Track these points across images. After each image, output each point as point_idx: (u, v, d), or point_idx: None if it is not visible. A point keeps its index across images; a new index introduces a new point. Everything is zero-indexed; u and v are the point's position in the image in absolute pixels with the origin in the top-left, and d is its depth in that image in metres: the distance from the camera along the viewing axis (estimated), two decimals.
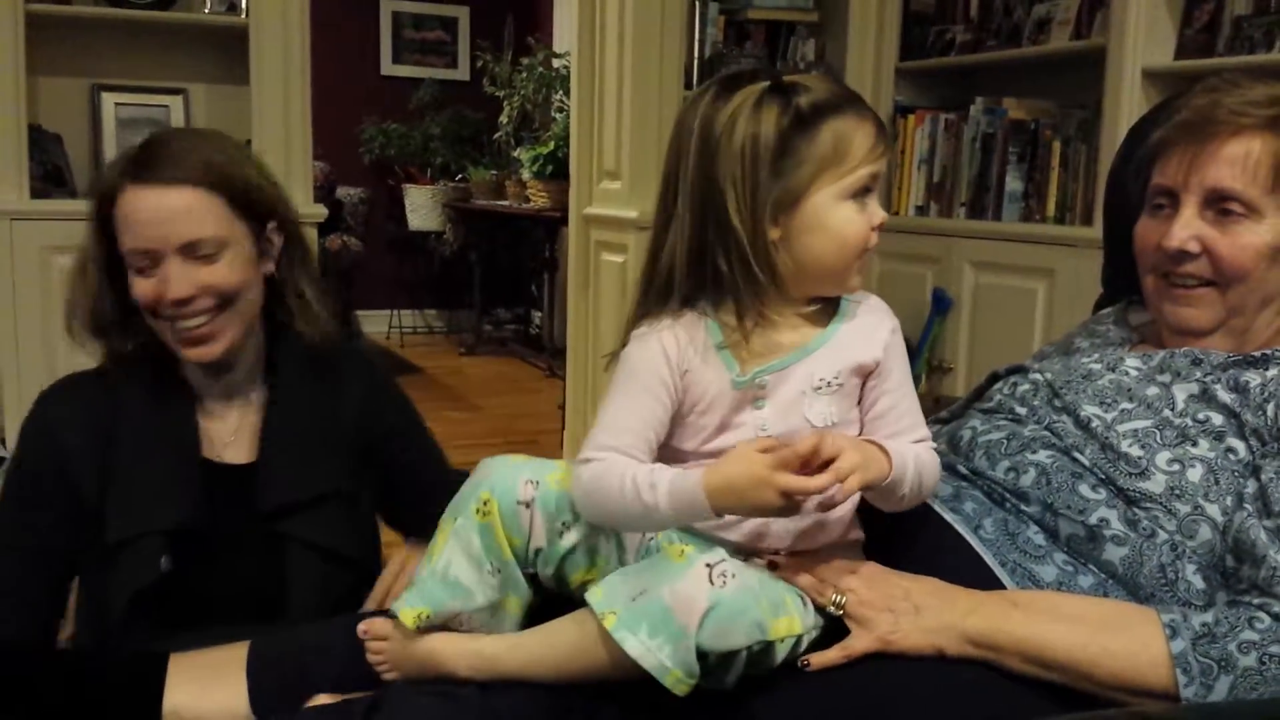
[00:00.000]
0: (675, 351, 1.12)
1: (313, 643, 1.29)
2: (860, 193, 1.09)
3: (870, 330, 1.14)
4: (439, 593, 1.15)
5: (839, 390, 1.12)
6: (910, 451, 1.11)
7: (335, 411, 1.48)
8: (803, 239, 1.08)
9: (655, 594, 1.01)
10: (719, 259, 1.08)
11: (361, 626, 1.18)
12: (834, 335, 1.13)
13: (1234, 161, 1.25)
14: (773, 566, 1.12)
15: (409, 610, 1.15)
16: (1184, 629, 1.07)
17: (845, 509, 1.13)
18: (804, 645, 1.09)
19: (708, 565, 1.01)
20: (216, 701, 1.23)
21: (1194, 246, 1.28)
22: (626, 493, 1.07)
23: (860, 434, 1.14)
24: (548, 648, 1.10)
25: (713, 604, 0.99)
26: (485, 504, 1.15)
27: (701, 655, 1.00)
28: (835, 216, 1.08)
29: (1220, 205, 1.26)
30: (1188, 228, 1.28)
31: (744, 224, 1.06)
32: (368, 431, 1.50)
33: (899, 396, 1.14)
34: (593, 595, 1.05)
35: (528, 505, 1.15)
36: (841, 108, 1.08)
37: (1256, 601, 1.08)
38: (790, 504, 1.02)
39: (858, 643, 1.09)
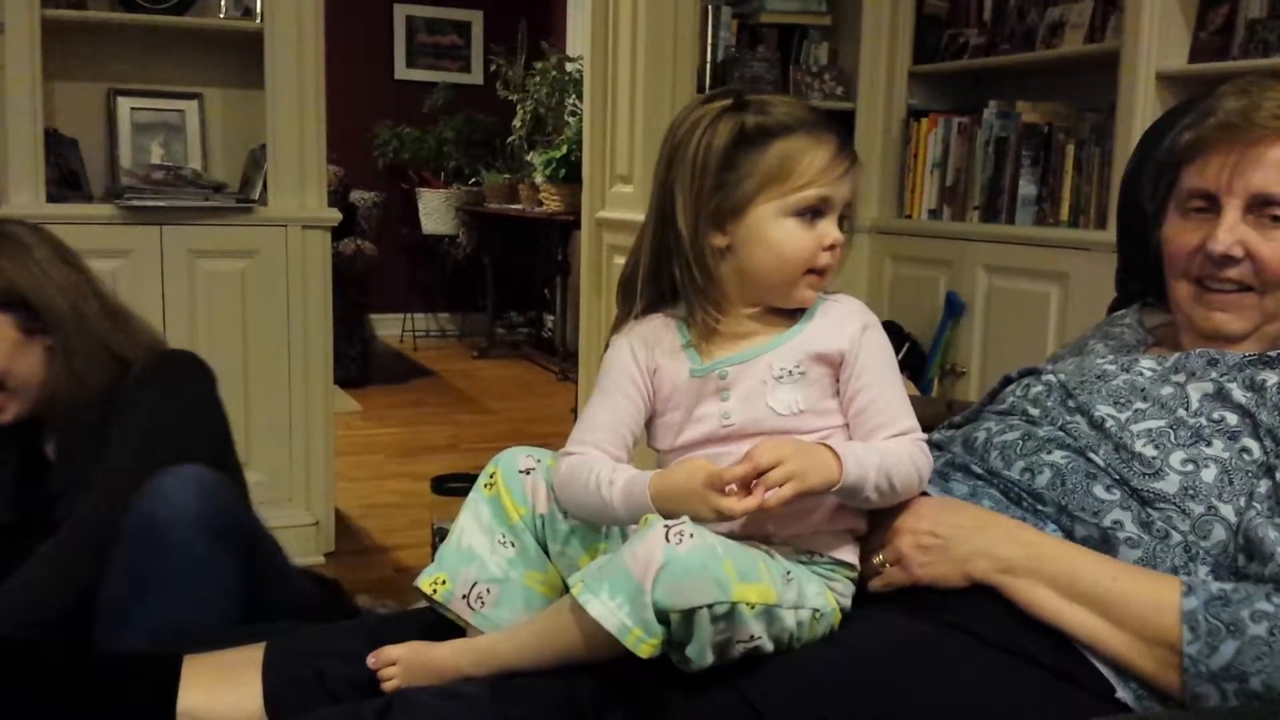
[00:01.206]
0: (643, 352, 1.20)
1: (330, 645, 1.29)
2: (807, 212, 1.15)
3: (837, 324, 1.17)
4: (453, 560, 1.22)
5: (802, 379, 1.16)
6: (874, 455, 1.12)
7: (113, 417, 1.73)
8: (746, 249, 1.16)
9: (618, 558, 1.04)
10: (673, 262, 1.17)
11: (370, 659, 1.19)
12: (800, 331, 1.17)
13: (1278, 165, 1.25)
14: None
15: (426, 579, 1.22)
16: (1200, 590, 1.08)
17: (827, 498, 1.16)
18: (793, 629, 1.08)
19: (666, 526, 1.02)
20: (230, 702, 1.23)
21: (1238, 251, 1.27)
22: (590, 486, 1.16)
23: (845, 427, 1.18)
24: (535, 633, 1.13)
25: (667, 560, 1.00)
26: (491, 477, 1.24)
27: (665, 619, 1.01)
28: (777, 231, 1.15)
29: (1263, 210, 1.26)
30: (1232, 232, 1.27)
31: (687, 228, 1.15)
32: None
33: (876, 392, 1.16)
34: (573, 576, 1.09)
35: (528, 473, 1.23)
36: (794, 130, 1.15)
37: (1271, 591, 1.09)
38: (723, 516, 1.07)
39: (891, 576, 1.19)
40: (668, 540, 1.01)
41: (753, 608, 1.03)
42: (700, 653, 1.03)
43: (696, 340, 1.19)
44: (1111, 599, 1.10)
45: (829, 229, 1.16)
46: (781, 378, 1.15)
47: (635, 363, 1.20)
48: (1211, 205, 1.30)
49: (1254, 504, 1.15)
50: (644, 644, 1.01)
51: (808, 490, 1.08)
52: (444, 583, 1.22)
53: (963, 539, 1.16)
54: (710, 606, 1.00)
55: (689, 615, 1.00)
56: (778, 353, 1.16)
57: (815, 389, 1.16)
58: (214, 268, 2.90)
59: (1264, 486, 1.16)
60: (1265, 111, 1.26)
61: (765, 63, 3.48)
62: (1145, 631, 1.09)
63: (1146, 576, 1.13)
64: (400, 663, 1.17)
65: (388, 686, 1.17)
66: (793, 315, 1.19)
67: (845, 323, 1.17)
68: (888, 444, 1.15)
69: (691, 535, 1.02)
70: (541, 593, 1.22)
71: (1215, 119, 1.30)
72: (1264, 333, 1.30)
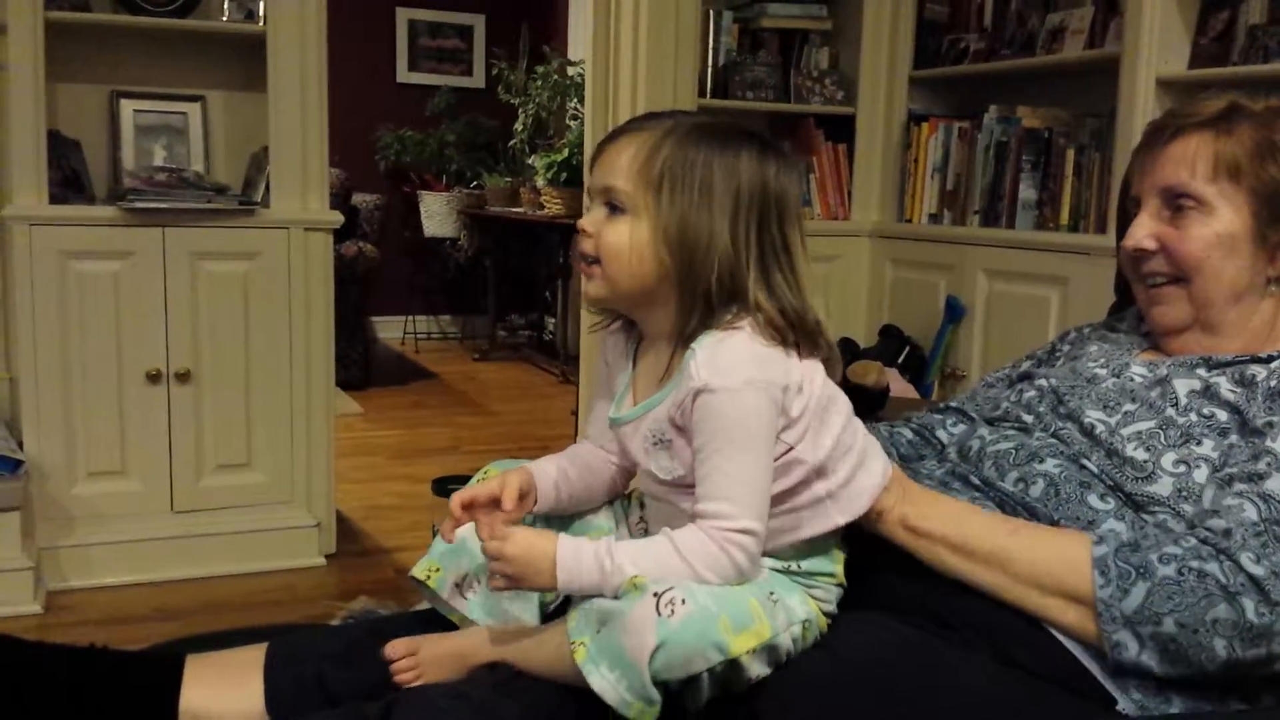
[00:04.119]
0: (604, 357, 1.26)
1: (332, 647, 1.29)
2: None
3: (682, 388, 1.12)
4: (446, 550, 1.27)
5: (670, 445, 1.14)
6: (610, 562, 1.08)
7: None
8: None
9: (614, 626, 1.03)
10: None
11: (386, 650, 1.21)
12: (666, 395, 1.14)
13: (1178, 160, 1.31)
14: None
15: (421, 567, 1.27)
16: (1110, 538, 1.12)
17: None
18: (788, 647, 1.09)
19: (655, 595, 1.02)
20: (232, 702, 1.24)
21: (1150, 244, 1.33)
22: None
23: None
24: (537, 652, 1.14)
25: (661, 640, 0.99)
26: (485, 473, 1.26)
27: (664, 682, 1.01)
28: None
29: (1174, 203, 1.31)
30: (1143, 228, 1.34)
31: None
32: None
33: (700, 460, 1.11)
34: (571, 618, 1.09)
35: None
36: None
37: (1189, 531, 1.12)
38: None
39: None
40: (659, 613, 1.00)
41: (753, 653, 1.04)
42: (700, 702, 1.04)
43: (636, 370, 1.22)
44: (1006, 557, 1.14)
45: (584, 219, 1.17)
46: (657, 444, 1.15)
47: (603, 362, 1.28)
48: (1138, 209, 1.36)
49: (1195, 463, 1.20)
50: (646, 714, 1.01)
51: (521, 587, 1.13)
52: (437, 570, 1.26)
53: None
54: (710, 670, 1.01)
55: (691, 678, 1.01)
56: (653, 415, 1.15)
57: (686, 453, 1.13)
58: (216, 270, 2.90)
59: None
60: (1172, 115, 1.35)
61: (766, 67, 3.49)
62: (1049, 583, 1.12)
63: (1046, 532, 1.17)
64: (419, 652, 1.19)
65: (403, 676, 1.19)
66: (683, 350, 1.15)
67: (684, 385, 1.11)
68: (657, 542, 1.10)
69: (683, 601, 1.01)
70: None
71: (1144, 133, 1.39)
72: (1204, 321, 1.33)
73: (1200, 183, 1.29)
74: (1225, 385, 1.24)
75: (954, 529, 1.18)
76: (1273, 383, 1.21)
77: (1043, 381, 1.38)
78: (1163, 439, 1.22)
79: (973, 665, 1.10)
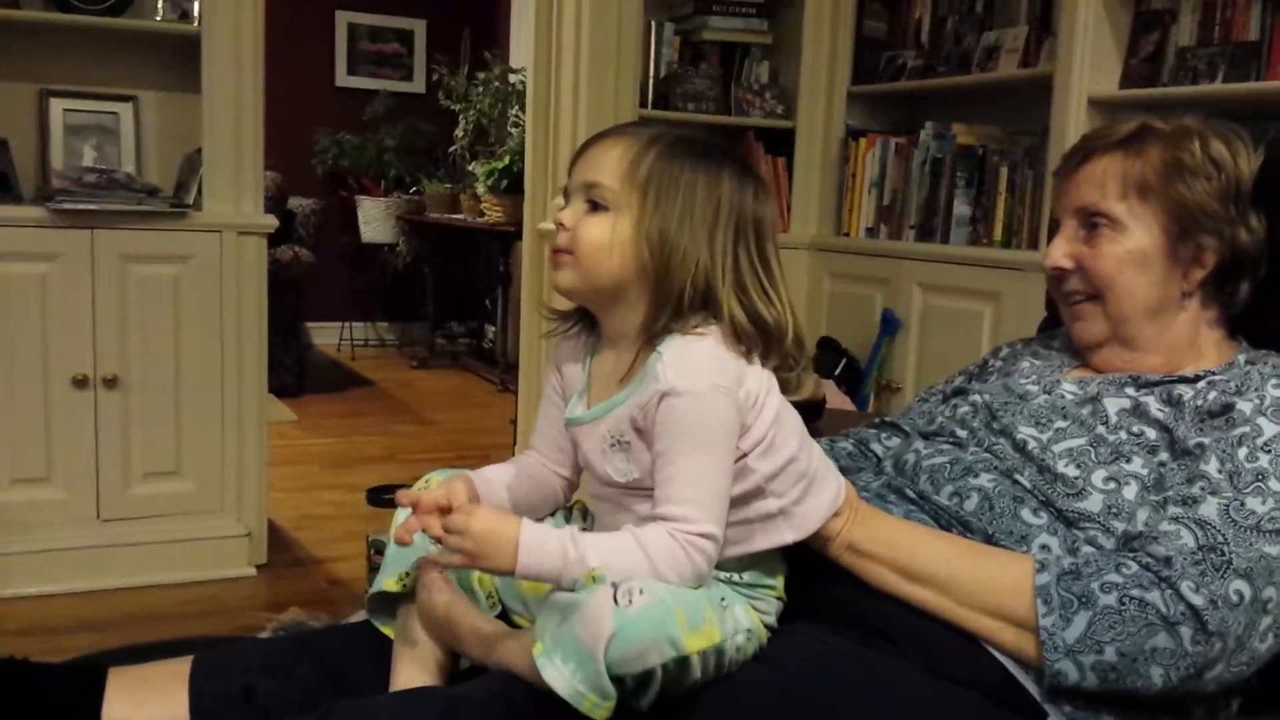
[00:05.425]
0: (555, 362, 1.25)
1: (260, 660, 1.28)
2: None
3: (648, 390, 1.12)
4: (404, 557, 1.24)
5: (629, 447, 1.14)
6: (577, 551, 1.07)
7: None
8: None
9: (570, 619, 1.02)
10: None
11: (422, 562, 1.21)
12: (629, 396, 1.14)
13: (1090, 181, 1.35)
14: None
15: (392, 579, 1.23)
16: (1052, 565, 1.13)
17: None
18: (733, 655, 1.09)
19: (613, 585, 1.02)
20: (155, 716, 1.22)
21: (1066, 263, 1.37)
22: None
23: None
24: (515, 653, 1.12)
25: (617, 628, 0.99)
26: (427, 482, 1.24)
27: (618, 677, 1.00)
28: None
29: (1089, 222, 1.35)
30: (1059, 248, 1.38)
31: None
32: None
33: (660, 464, 1.11)
34: (539, 617, 1.08)
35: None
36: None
37: (1129, 556, 1.13)
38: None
39: None
40: (616, 602, 1.00)
41: (701, 654, 1.04)
42: (650, 701, 1.03)
43: (591, 370, 1.21)
44: (949, 580, 1.15)
45: (561, 213, 1.18)
46: (615, 445, 1.15)
47: (552, 370, 1.27)
48: (1058, 229, 1.40)
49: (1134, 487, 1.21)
50: (600, 708, 1.00)
51: (476, 568, 1.13)
52: (407, 575, 1.23)
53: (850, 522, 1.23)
54: (664, 665, 1.01)
55: (644, 673, 1.01)
56: (613, 416, 1.15)
57: (645, 455, 1.13)
58: (147, 273, 2.85)
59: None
60: (1086, 138, 1.39)
61: (707, 80, 3.51)
62: (993, 608, 1.13)
63: (988, 555, 1.18)
64: (437, 588, 1.18)
65: (427, 588, 1.19)
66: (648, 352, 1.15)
67: (649, 387, 1.11)
68: (621, 536, 1.10)
69: (641, 592, 1.01)
70: (477, 576, 1.24)
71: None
72: (1121, 336, 1.35)
73: (1111, 202, 1.32)
74: (1154, 404, 1.27)
75: (900, 553, 1.19)
76: (1199, 403, 1.24)
77: (976, 397, 1.40)
78: (1093, 456, 1.24)
79: (908, 677, 1.11)
